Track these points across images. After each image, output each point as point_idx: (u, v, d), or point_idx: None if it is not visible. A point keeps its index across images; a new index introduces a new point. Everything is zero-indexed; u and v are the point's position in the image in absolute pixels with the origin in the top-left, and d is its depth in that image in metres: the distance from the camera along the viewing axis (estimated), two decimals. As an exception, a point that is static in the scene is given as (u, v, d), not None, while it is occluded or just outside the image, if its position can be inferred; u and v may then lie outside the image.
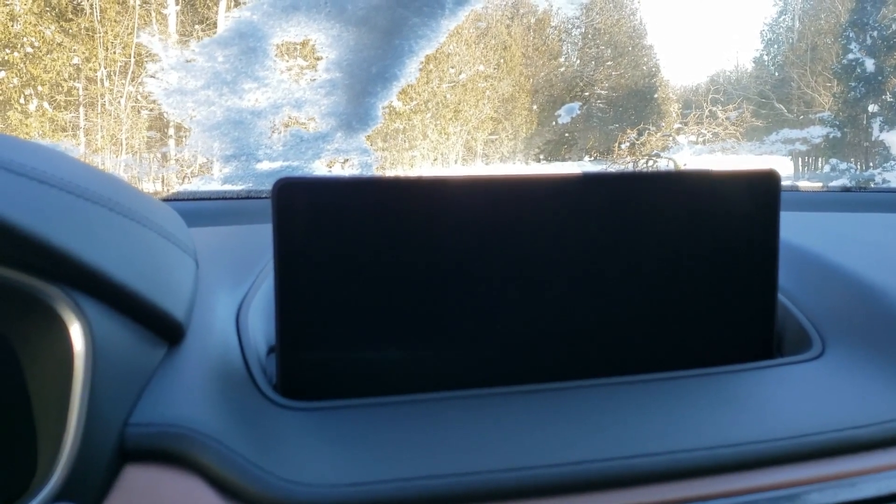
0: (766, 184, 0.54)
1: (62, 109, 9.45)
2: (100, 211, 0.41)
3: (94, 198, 0.41)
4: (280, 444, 0.41)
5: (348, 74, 1.65)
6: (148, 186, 8.56)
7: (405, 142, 11.10)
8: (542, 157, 15.43)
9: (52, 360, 0.38)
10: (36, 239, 0.35)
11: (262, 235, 0.58)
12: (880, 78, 11.97)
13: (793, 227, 0.69)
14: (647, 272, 0.53)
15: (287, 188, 0.47)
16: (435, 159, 11.51)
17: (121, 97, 9.56)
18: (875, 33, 12.11)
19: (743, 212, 0.54)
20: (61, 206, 0.38)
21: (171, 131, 10.00)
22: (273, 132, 1.88)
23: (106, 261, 0.39)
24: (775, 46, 19.24)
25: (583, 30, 17.62)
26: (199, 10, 10.43)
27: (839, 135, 12.24)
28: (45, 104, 9.25)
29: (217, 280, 0.56)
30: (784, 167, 12.25)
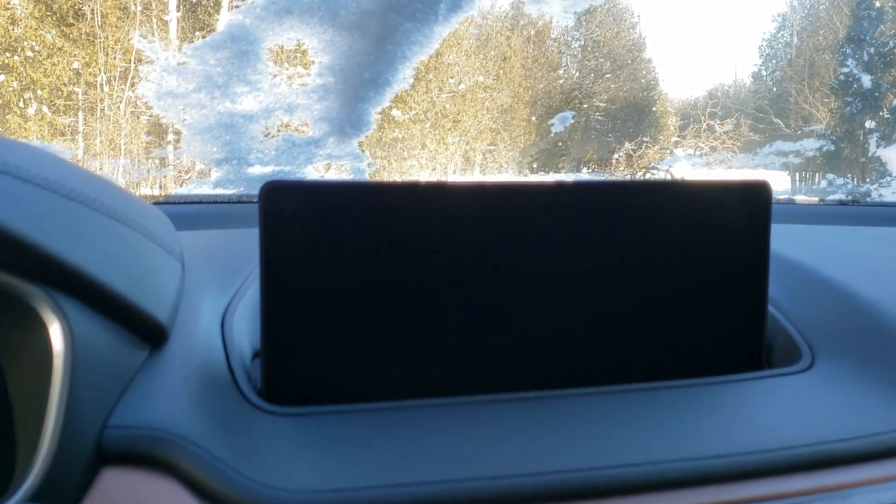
0: (757, 195, 0.54)
1: (61, 114, 9.45)
2: (83, 211, 0.41)
3: (78, 198, 0.41)
4: (262, 450, 0.41)
5: (341, 79, 1.66)
6: (145, 191, 8.55)
7: (403, 151, 11.12)
8: (536, 166, 15.45)
9: (31, 359, 0.37)
10: (17, 237, 0.35)
11: (250, 240, 0.58)
12: (877, 94, 12.03)
13: (784, 239, 0.69)
14: (637, 281, 0.52)
15: (274, 191, 0.47)
16: (433, 169, 11.52)
17: (120, 102, 9.57)
18: (872, 50, 12.18)
19: (734, 222, 0.54)
20: (44, 204, 0.38)
21: (170, 137, 10.00)
22: (265, 136, 1.88)
23: (88, 261, 0.39)
24: (773, 62, 19.37)
25: (582, 42, 17.70)
26: (200, 16, 10.47)
27: (833, 148, 12.28)
28: (45, 108, 9.25)
29: (203, 284, 0.56)
30: (780, 181, 12.28)
